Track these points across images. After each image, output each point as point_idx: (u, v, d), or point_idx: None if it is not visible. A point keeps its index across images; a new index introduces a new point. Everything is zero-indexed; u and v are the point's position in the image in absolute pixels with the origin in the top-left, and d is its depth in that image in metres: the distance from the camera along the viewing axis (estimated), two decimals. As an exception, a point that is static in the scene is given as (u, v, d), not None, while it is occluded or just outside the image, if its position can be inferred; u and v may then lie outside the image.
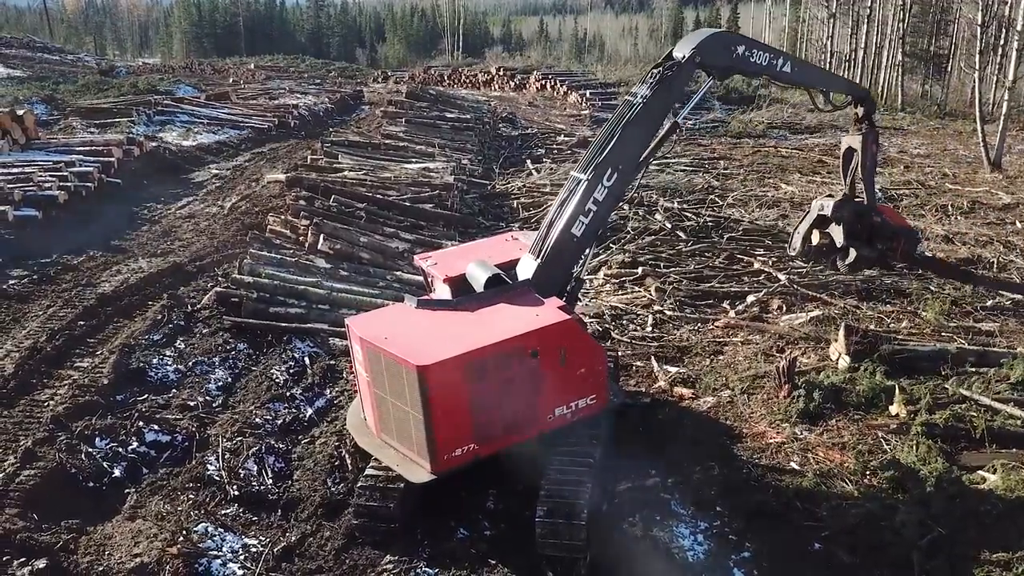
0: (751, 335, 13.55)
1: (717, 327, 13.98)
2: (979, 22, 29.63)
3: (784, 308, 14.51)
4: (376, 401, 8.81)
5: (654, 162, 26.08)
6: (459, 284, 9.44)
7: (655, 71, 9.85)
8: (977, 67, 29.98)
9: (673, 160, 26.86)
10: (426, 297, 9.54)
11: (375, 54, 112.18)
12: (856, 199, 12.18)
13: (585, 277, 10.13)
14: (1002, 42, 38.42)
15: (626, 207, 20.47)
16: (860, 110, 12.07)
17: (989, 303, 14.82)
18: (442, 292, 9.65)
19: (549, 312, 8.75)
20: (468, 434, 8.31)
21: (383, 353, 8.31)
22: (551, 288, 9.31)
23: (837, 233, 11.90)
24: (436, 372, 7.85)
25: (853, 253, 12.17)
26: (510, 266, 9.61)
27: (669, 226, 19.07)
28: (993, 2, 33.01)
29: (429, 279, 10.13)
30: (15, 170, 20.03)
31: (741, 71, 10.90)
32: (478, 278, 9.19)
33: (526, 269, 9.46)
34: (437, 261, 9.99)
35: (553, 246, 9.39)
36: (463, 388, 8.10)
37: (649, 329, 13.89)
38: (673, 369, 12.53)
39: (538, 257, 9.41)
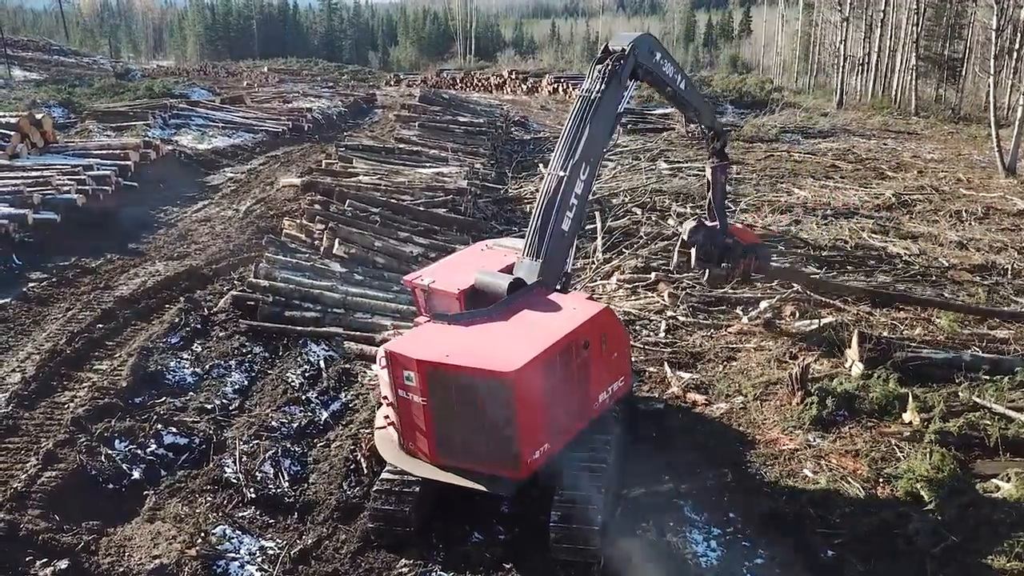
0: (764, 341, 13.57)
1: (730, 333, 14.00)
2: (994, 26, 29.50)
3: (797, 314, 14.52)
4: (435, 424, 8.49)
5: (667, 167, 26.24)
6: (471, 296, 9.43)
7: (601, 67, 10.22)
8: (992, 71, 29.86)
9: (685, 165, 26.88)
10: (453, 312, 9.33)
11: (387, 57, 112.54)
12: (714, 223, 13.48)
13: (570, 269, 10.41)
14: (1017, 46, 38.23)
15: (639, 212, 20.53)
16: (718, 143, 13.18)
17: (1004, 310, 14.79)
18: (446, 306, 9.55)
19: (586, 304, 9.16)
20: (545, 433, 8.44)
21: (454, 370, 8.11)
22: (553, 284, 9.61)
23: (692, 255, 13.36)
24: (524, 375, 7.89)
25: (707, 272, 13.72)
26: (505, 272, 9.71)
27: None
28: (1008, 6, 32.84)
29: (425, 296, 9.86)
30: (34, 173, 20.25)
31: (653, 77, 11.21)
32: (499, 284, 9.23)
33: (529, 271, 9.54)
34: (435, 278, 9.87)
35: (551, 244, 9.59)
36: (541, 388, 8.22)
37: (662, 335, 13.93)
38: (686, 375, 12.56)
39: (538, 257, 9.55)
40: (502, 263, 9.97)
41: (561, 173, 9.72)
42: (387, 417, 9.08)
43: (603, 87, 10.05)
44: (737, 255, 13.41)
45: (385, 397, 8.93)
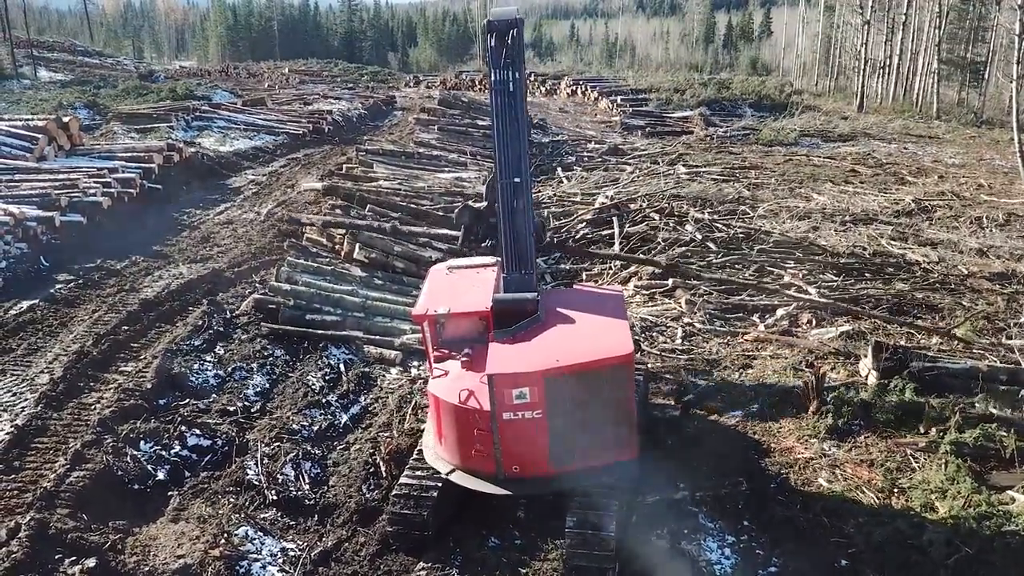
0: (780, 349, 13.61)
1: (746, 340, 14.05)
2: (1017, 30, 29.24)
3: (814, 322, 14.54)
4: (550, 434, 8.49)
5: (686, 172, 26.24)
6: (499, 312, 9.28)
7: (504, 50, 9.41)
8: (1014, 75, 29.58)
9: (704, 169, 26.89)
10: (510, 328, 9.13)
11: (407, 58, 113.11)
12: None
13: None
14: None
15: (656, 217, 20.58)
16: None
17: (1023, 319, 14.74)
18: (470, 329, 9.41)
19: (604, 290, 10.29)
20: (635, 407, 9.07)
21: (576, 369, 8.32)
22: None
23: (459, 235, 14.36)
24: (632, 356, 8.52)
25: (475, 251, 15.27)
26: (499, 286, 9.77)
27: (699, 237, 19.12)
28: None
29: (440, 326, 9.46)
30: (61, 176, 20.63)
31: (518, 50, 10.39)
32: (526, 298, 9.30)
33: (525, 283, 9.54)
34: (448, 305, 9.56)
35: (531, 252, 9.69)
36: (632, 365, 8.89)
37: (679, 341, 14.01)
38: (702, 382, 12.63)
39: (527, 268, 9.61)
40: (479, 280, 9.94)
41: (516, 180, 9.54)
42: (478, 449, 8.66)
43: (516, 75, 9.50)
44: None
45: (480, 430, 8.52)
